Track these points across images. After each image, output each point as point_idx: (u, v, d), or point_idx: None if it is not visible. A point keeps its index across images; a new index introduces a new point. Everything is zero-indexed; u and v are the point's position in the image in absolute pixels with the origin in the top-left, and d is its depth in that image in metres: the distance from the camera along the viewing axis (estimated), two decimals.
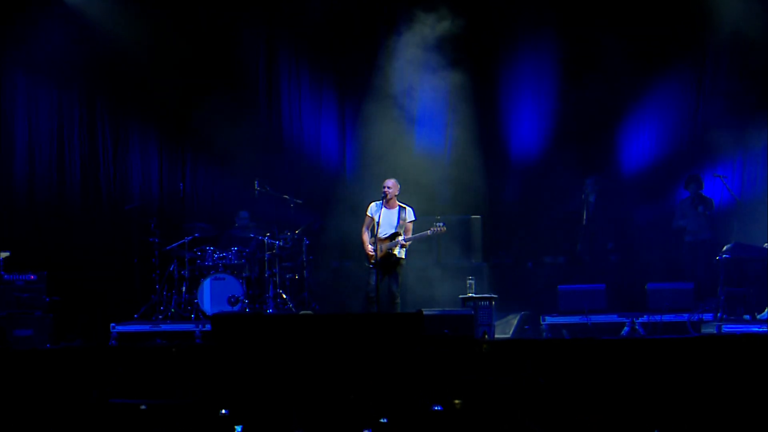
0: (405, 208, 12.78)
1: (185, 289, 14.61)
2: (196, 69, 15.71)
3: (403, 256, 12.77)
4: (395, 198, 12.81)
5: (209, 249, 14.75)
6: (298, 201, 15.03)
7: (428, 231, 12.68)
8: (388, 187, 12.72)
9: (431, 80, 15.86)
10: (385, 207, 12.73)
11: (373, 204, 12.87)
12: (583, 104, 15.59)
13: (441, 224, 12.64)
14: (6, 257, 13.60)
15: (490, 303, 12.94)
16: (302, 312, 14.13)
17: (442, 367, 8.98)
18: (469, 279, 13.29)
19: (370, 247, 12.62)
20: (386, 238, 12.63)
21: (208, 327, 13.64)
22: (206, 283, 14.51)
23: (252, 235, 15.00)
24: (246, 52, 16.10)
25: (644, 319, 13.60)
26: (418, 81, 15.94)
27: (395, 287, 12.67)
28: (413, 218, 12.79)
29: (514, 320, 14.12)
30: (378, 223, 12.58)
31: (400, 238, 12.61)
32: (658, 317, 13.52)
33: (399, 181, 13.05)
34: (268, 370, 8.99)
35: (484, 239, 15.27)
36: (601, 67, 15.46)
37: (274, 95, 16.23)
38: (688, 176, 14.94)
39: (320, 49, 16.12)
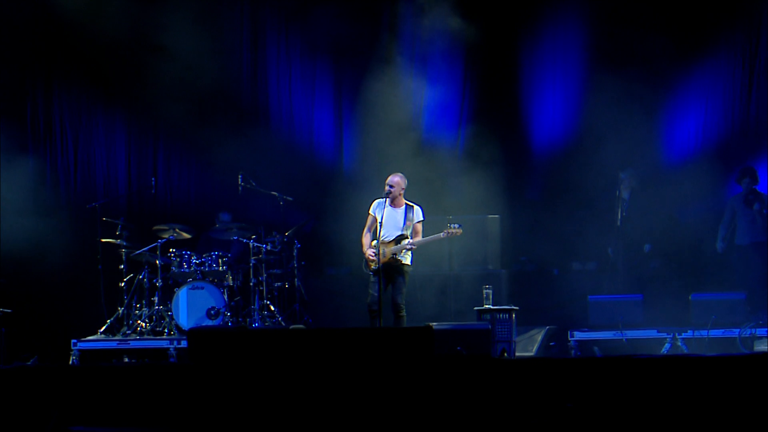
0: (412, 207, 12.70)
1: (158, 299, 14.59)
2: (168, 45, 15.65)
3: (409, 262, 12.70)
4: (402, 196, 12.70)
5: (185, 253, 14.73)
6: (288, 198, 15.01)
7: (441, 233, 12.61)
8: (390, 186, 12.57)
9: (442, 60, 15.84)
10: (390, 206, 12.63)
11: (376, 201, 12.78)
12: (616, 87, 15.50)
13: (456, 225, 12.58)
14: None
15: (510, 316, 12.90)
16: (293, 326, 14.09)
17: (455, 390, 8.93)
18: (486, 288, 13.24)
19: (370, 251, 12.55)
20: (390, 242, 12.55)
21: (183, 344, 13.67)
22: (182, 293, 14.49)
23: (235, 238, 14.97)
24: (226, 22, 16.08)
25: (688, 334, 13.57)
26: (427, 60, 15.92)
27: (400, 298, 12.59)
28: (421, 218, 12.70)
29: (537, 336, 14.09)
30: (381, 223, 12.50)
31: (407, 241, 12.53)
32: (704, 332, 13.48)
33: (405, 176, 12.95)
34: (253, 394, 8.95)
35: (502, 242, 15.25)
36: (637, 43, 15.42)
37: (260, 74, 16.24)
38: (740, 169, 14.85)
39: (314, 20, 16.08)
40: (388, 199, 12.53)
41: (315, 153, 16.26)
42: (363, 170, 15.62)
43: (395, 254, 12.52)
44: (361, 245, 12.79)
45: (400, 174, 12.74)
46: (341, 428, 8.76)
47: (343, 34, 16.05)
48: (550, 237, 15.66)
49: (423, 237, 12.70)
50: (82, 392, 9.25)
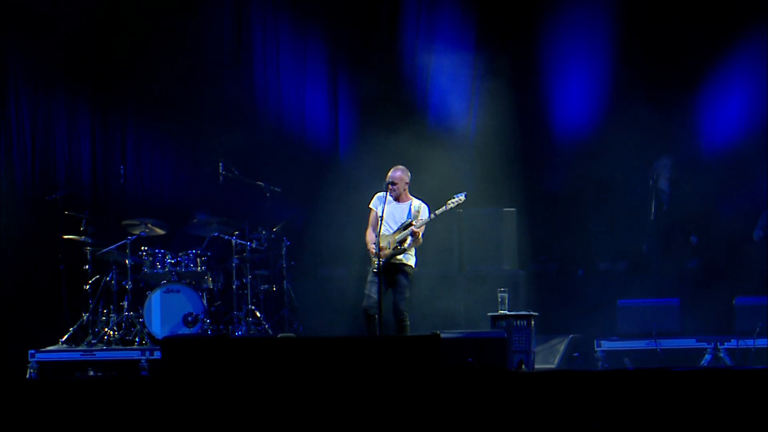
0: (420, 204, 12.68)
1: (127, 304, 14.61)
2: (140, 15, 15.65)
3: (413, 264, 12.69)
4: (407, 191, 12.73)
5: (159, 252, 14.75)
6: (276, 189, 15.02)
7: (444, 206, 12.61)
8: (393, 183, 12.61)
9: (452, 34, 15.84)
10: (394, 201, 12.64)
11: (377, 195, 12.79)
12: (649, 63, 15.55)
13: (460, 194, 12.59)
14: None
15: (529, 323, 12.91)
16: (281, 335, 14.08)
17: (466, 408, 8.91)
18: (501, 291, 13.24)
19: (373, 246, 12.52)
20: (396, 232, 12.56)
21: (157, 354, 13.66)
22: (155, 297, 14.51)
23: (215, 234, 14.96)
24: None
25: (732, 344, 13.59)
26: (434, 34, 15.93)
27: (403, 303, 12.60)
28: (427, 218, 12.66)
29: (560, 345, 14.12)
30: (381, 217, 12.51)
31: (412, 226, 12.53)
32: (749, 342, 13.46)
33: (408, 169, 12.92)
34: (235, 412, 8.92)
35: (519, 239, 15.24)
36: (673, 16, 15.41)
37: (245, 50, 16.24)
38: None
39: None
40: (389, 191, 12.54)
41: (306, 137, 16.26)
42: (361, 157, 15.60)
43: (400, 243, 12.50)
44: (365, 244, 12.79)
45: (402, 167, 12.78)
46: None
47: (338, 3, 16.04)
48: (573, 233, 15.67)
49: (424, 237, 12.68)
50: (41, 410, 9.23)
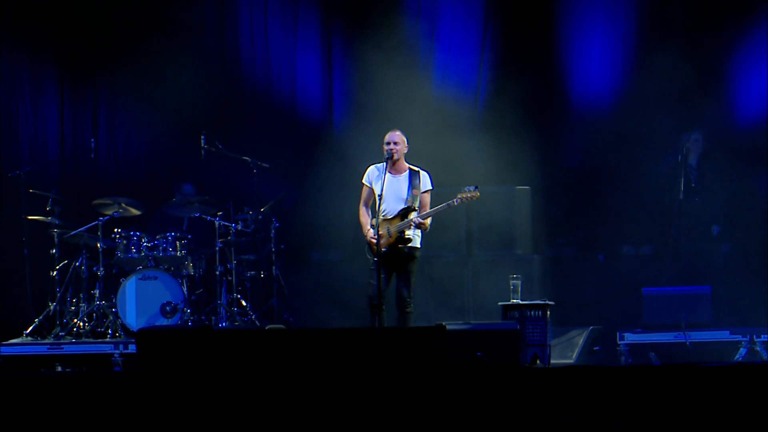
0: (418, 172, 12.67)
1: (99, 292, 14.61)
2: None
3: (418, 245, 12.67)
4: (403, 159, 12.68)
5: (134, 235, 14.75)
6: (264, 165, 15.02)
7: (454, 200, 12.58)
8: (394, 143, 12.60)
9: None
10: (390, 173, 12.60)
11: (372, 168, 12.75)
12: (679, 25, 15.51)
13: (472, 188, 12.56)
14: None
15: (544, 313, 12.90)
16: (270, 326, 14.06)
17: (474, 406, 8.90)
18: (513, 278, 13.23)
19: (371, 232, 12.50)
20: (394, 218, 12.54)
21: (132, 348, 13.69)
22: (129, 285, 14.52)
23: (197, 215, 14.96)
24: None
25: None
26: None
27: (406, 291, 12.59)
28: (429, 187, 12.68)
29: (578, 338, 14.14)
30: (380, 195, 12.46)
31: (414, 214, 12.51)
32: None
33: (412, 142, 12.89)
34: (217, 411, 8.92)
35: (534, 221, 15.22)
36: None
37: (229, 10, 16.19)
38: None
39: None
40: (388, 162, 12.48)
41: (298, 107, 16.29)
42: (358, 129, 15.57)
43: (402, 232, 12.48)
44: (359, 225, 12.75)
45: (400, 131, 12.71)
46: None
47: None
48: (594, 214, 15.67)
49: (431, 209, 12.64)
50: (4, 410, 9.22)
